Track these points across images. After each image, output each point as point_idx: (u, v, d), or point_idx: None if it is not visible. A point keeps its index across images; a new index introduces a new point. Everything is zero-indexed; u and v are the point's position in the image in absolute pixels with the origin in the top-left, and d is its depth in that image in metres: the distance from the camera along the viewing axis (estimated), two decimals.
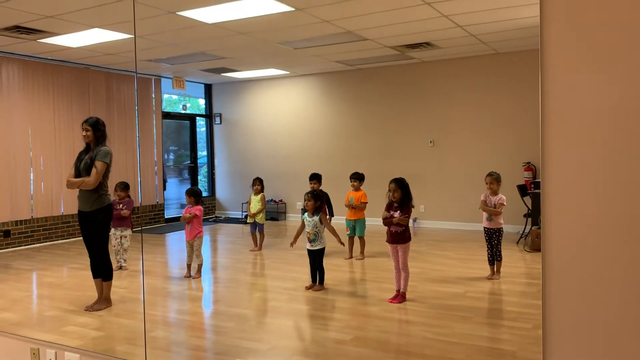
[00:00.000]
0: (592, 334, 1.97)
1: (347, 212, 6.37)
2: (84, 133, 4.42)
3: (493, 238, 5.25)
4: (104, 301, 4.44)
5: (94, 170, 4.29)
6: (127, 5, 5.05)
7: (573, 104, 1.97)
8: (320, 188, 6.26)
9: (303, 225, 5.20)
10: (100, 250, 4.43)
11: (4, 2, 5.00)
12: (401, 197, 4.57)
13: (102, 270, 4.45)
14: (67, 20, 5.68)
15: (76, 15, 5.49)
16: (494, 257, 5.27)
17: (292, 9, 5.35)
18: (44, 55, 7.55)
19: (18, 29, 5.96)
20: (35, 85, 7.74)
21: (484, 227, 5.31)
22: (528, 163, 7.76)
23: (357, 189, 6.35)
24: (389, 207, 4.63)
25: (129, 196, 6.01)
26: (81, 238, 4.51)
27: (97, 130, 4.41)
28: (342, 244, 5.29)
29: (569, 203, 1.98)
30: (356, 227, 6.29)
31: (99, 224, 4.40)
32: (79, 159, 4.44)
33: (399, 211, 4.54)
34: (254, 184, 6.98)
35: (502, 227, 5.26)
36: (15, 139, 7.49)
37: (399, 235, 4.55)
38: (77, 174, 4.40)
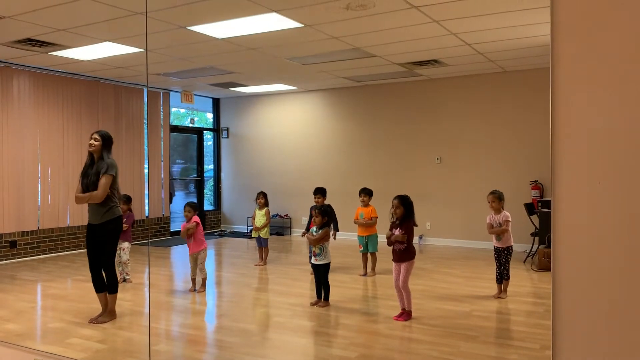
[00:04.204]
0: (604, 356, 1.93)
1: (359, 228, 6.35)
2: (91, 142, 4.41)
3: (502, 256, 5.22)
4: (108, 314, 4.43)
5: (100, 184, 4.30)
6: (138, 19, 5.12)
7: (584, 122, 1.96)
8: (325, 202, 6.25)
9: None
10: (107, 263, 4.42)
11: (18, 15, 5.07)
12: (403, 214, 4.54)
13: (107, 283, 4.44)
14: (78, 34, 5.74)
15: (88, 29, 5.55)
16: (502, 276, 5.23)
17: (301, 26, 5.40)
18: (54, 68, 7.64)
19: (30, 41, 6.04)
20: (45, 98, 7.81)
21: (494, 246, 5.28)
22: (535, 181, 7.74)
23: (366, 204, 6.34)
24: (392, 225, 4.60)
25: (130, 209, 6.03)
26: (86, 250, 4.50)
27: (105, 143, 4.42)
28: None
29: (580, 221, 1.97)
30: (368, 243, 6.28)
31: (108, 235, 4.40)
32: (86, 173, 4.44)
33: (399, 229, 4.52)
34: (257, 198, 6.98)
35: (511, 246, 5.23)
36: (24, 150, 7.54)
37: (402, 254, 4.52)
38: (85, 189, 4.40)
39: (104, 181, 4.31)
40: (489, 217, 5.27)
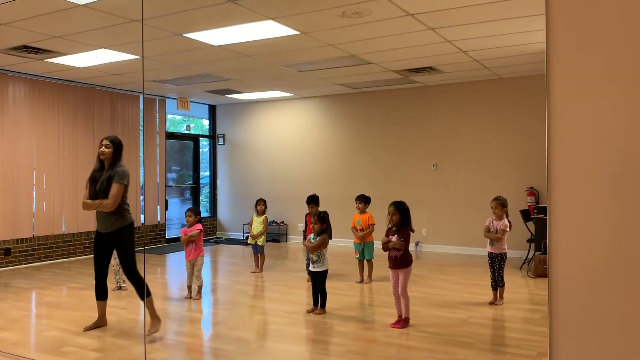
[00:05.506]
0: None
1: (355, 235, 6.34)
2: (102, 149, 4.28)
3: (495, 263, 5.23)
4: (155, 320, 4.25)
5: (111, 193, 4.16)
6: (134, 26, 5.13)
7: (579, 129, 1.97)
8: (320, 209, 6.24)
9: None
10: (131, 270, 4.25)
11: (14, 22, 5.06)
12: (399, 220, 4.53)
13: (138, 289, 4.23)
14: (74, 41, 5.74)
15: (84, 36, 5.55)
16: (497, 283, 5.23)
17: (297, 33, 5.41)
18: (50, 75, 7.63)
19: (26, 48, 6.03)
20: (41, 104, 7.80)
21: (488, 252, 5.29)
22: (531, 188, 7.76)
23: (362, 211, 6.33)
24: (388, 232, 4.60)
25: None
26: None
27: (116, 149, 4.31)
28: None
29: (576, 228, 1.97)
30: (365, 250, 6.26)
31: (124, 243, 4.27)
32: (94, 179, 4.30)
33: (396, 235, 4.51)
34: (257, 205, 6.96)
35: (505, 252, 5.23)
36: (19, 157, 7.52)
37: (399, 260, 4.51)
38: (93, 196, 4.26)
39: (115, 190, 4.17)
40: (489, 221, 5.27)
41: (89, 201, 4.27)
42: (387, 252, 4.58)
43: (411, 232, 4.59)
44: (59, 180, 7.99)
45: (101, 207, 4.21)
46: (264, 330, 4.67)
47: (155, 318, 4.28)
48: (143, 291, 4.24)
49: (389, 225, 4.62)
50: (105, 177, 4.24)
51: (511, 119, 8.01)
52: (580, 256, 1.97)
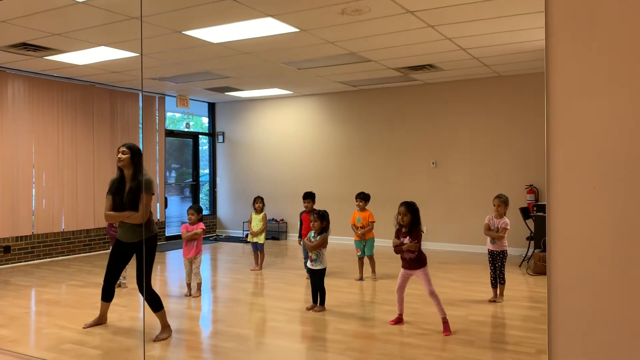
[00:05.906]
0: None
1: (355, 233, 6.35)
2: (119, 155, 4.18)
3: (497, 260, 5.23)
4: (165, 329, 4.21)
5: (141, 204, 4.05)
6: (134, 24, 5.12)
7: (578, 126, 1.96)
8: (315, 206, 6.24)
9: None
10: (148, 281, 4.15)
11: (13, 20, 5.05)
12: (410, 221, 4.49)
13: (152, 303, 4.16)
14: (73, 38, 5.73)
15: (83, 33, 5.54)
16: (497, 280, 5.24)
17: (297, 30, 5.40)
18: (49, 72, 7.62)
19: (25, 46, 6.02)
20: (40, 102, 7.79)
21: (488, 249, 5.29)
22: (530, 185, 7.76)
23: (362, 209, 6.33)
24: (398, 233, 4.54)
25: None
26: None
27: (134, 155, 4.21)
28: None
29: (575, 225, 1.97)
30: (366, 247, 6.27)
31: (146, 254, 4.14)
32: (117, 189, 4.20)
33: (408, 237, 4.46)
34: (255, 203, 6.96)
35: (506, 250, 5.24)
36: (18, 154, 7.51)
37: (414, 262, 4.44)
38: (119, 208, 4.16)
39: (146, 201, 4.06)
40: (489, 218, 5.27)
41: (114, 213, 4.16)
42: (400, 254, 4.51)
43: (422, 233, 4.54)
44: (59, 178, 7.99)
45: (131, 219, 4.11)
46: (263, 328, 4.68)
47: (166, 327, 4.24)
48: (155, 304, 4.18)
49: (397, 227, 4.55)
50: (132, 186, 4.15)
51: (511, 116, 8.01)
52: (579, 254, 1.97)
